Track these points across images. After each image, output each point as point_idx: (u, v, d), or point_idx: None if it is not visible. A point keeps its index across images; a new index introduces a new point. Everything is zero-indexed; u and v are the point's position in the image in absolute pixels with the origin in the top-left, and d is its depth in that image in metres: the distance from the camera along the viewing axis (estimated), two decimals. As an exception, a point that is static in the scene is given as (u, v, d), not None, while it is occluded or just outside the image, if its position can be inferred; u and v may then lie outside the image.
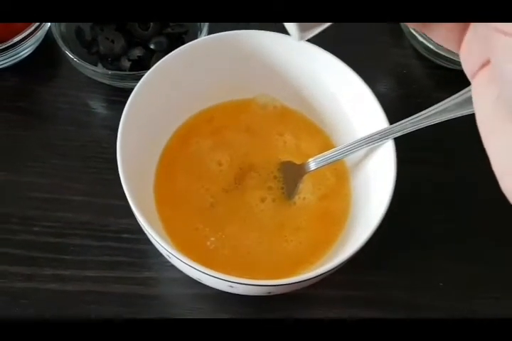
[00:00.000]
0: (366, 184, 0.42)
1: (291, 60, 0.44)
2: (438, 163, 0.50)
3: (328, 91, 0.44)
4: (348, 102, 0.43)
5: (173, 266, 0.40)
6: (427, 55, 0.54)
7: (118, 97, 0.51)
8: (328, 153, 0.42)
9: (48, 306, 0.43)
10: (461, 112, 0.39)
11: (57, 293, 0.44)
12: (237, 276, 0.34)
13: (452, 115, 0.39)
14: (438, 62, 0.54)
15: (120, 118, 0.39)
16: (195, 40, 0.43)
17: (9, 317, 0.43)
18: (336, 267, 0.35)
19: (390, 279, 0.46)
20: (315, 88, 0.45)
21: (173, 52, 0.41)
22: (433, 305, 0.45)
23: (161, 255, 0.40)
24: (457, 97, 0.39)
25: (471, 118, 0.39)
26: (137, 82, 0.40)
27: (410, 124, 0.39)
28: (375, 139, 0.40)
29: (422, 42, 0.53)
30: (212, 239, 0.42)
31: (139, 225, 0.38)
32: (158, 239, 0.35)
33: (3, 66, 0.51)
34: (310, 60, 0.43)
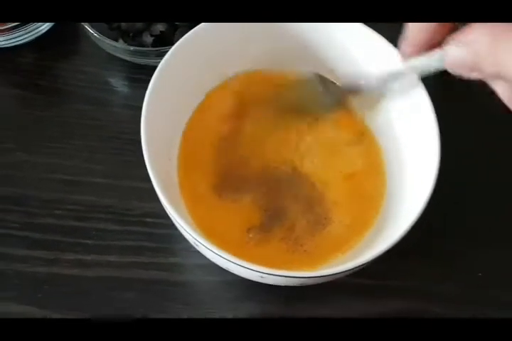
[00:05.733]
0: (402, 163, 0.40)
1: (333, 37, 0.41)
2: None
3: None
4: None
5: (198, 252, 0.38)
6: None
7: (139, 75, 0.49)
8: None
9: (70, 292, 0.42)
10: None
11: (79, 278, 0.42)
12: (267, 266, 0.32)
13: None
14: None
15: (141, 96, 0.36)
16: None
17: (32, 303, 0.41)
18: (374, 258, 0.33)
19: (428, 269, 0.44)
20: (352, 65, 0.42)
21: (198, 26, 0.39)
22: (468, 295, 0.43)
23: (186, 240, 0.38)
24: None
25: None
26: (159, 59, 0.38)
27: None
28: None
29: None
30: (242, 225, 0.39)
31: (162, 209, 0.36)
32: (185, 226, 0.33)
33: (22, 42, 0.50)
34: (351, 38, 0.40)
